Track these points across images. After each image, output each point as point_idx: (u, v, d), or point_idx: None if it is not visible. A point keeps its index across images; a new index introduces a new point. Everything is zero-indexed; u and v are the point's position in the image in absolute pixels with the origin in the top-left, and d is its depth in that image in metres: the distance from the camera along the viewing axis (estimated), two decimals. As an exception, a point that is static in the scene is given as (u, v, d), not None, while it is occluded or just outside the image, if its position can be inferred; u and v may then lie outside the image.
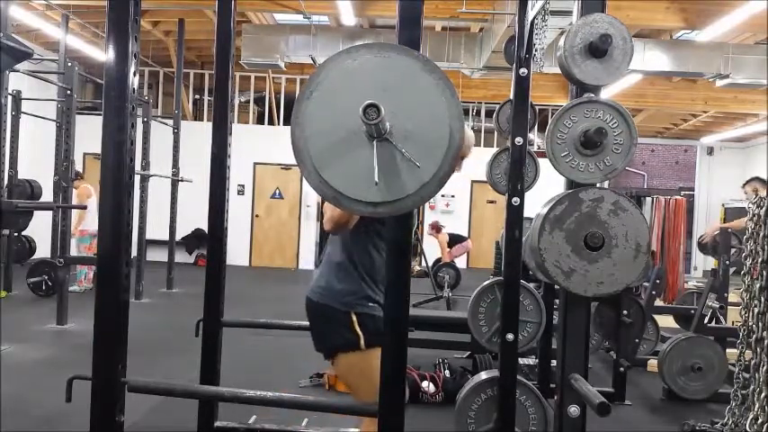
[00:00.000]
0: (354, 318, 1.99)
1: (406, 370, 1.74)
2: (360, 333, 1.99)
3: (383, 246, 2.02)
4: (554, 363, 3.14)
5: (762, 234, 2.29)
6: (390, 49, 1.55)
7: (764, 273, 2.26)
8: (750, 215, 2.36)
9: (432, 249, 9.52)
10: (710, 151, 14.39)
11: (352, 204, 1.54)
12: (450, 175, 1.64)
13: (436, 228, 9.76)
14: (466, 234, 11.09)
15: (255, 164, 11.71)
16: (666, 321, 5.42)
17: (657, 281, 4.45)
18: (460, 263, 10.06)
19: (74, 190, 7.16)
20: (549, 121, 1.93)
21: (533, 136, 10.47)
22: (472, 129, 12.99)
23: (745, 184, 5.56)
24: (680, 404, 3.94)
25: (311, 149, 1.53)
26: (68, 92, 5.70)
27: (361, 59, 1.54)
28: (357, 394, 2.08)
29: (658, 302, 5.14)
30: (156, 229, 8.68)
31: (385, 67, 1.53)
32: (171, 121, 8.22)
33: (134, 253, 6.22)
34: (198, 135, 7.55)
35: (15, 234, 6.71)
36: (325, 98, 1.51)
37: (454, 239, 9.81)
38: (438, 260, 9.40)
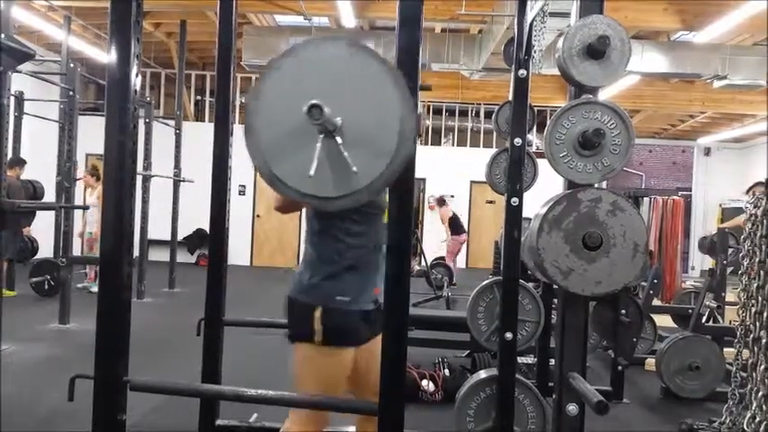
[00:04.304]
0: (318, 313, 1.87)
1: (405, 369, 1.76)
2: (318, 329, 1.87)
3: (367, 228, 1.94)
4: (552, 362, 3.16)
5: (759, 234, 2.31)
6: (361, 50, 1.54)
7: (762, 272, 2.28)
8: (747, 215, 2.38)
9: (429, 253, 9.49)
10: (708, 152, 14.40)
11: (288, 191, 1.54)
12: (390, 183, 1.59)
13: (439, 201, 9.74)
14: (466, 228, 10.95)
15: (256, 164, 11.72)
16: (664, 321, 5.44)
17: (655, 280, 4.46)
18: (459, 262, 10.05)
19: (97, 188, 7.16)
20: (548, 122, 1.95)
21: (532, 137, 10.51)
22: (471, 130, 13.04)
23: (749, 190, 5.56)
24: (678, 403, 3.95)
25: (262, 131, 1.52)
26: (71, 93, 5.71)
27: (329, 53, 1.52)
28: (297, 388, 2.00)
29: (656, 302, 5.15)
30: (158, 229, 8.68)
31: (351, 67, 1.52)
32: (173, 122, 8.24)
33: (136, 253, 6.25)
34: (199, 136, 7.56)
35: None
36: (283, 85, 1.50)
37: (456, 225, 9.78)
38: (436, 260, 9.42)
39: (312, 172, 1.46)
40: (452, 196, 12.36)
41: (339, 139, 1.50)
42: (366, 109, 1.51)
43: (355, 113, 1.51)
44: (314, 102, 1.38)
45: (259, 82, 1.56)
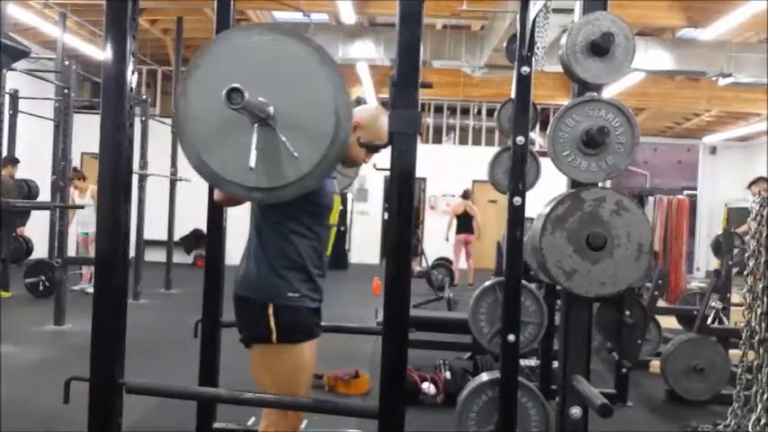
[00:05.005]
0: (271, 310, 1.85)
1: (406, 371, 1.73)
2: (273, 327, 1.85)
3: (312, 228, 1.92)
4: (556, 364, 3.12)
5: (765, 234, 2.28)
6: (283, 33, 1.53)
7: (767, 273, 2.24)
8: (753, 215, 2.35)
9: (430, 254, 9.42)
10: (713, 150, 14.36)
11: (231, 186, 1.54)
12: (335, 166, 1.62)
13: (463, 193, 9.75)
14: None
15: (255, 163, 11.67)
16: (669, 322, 5.40)
17: (660, 281, 4.43)
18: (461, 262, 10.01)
19: (91, 188, 7.25)
20: (551, 121, 1.91)
21: (535, 135, 10.45)
22: (473, 128, 13.00)
23: (750, 185, 5.50)
24: (682, 405, 3.92)
25: (192, 128, 1.52)
26: (66, 91, 5.67)
27: (252, 41, 1.52)
28: (266, 390, 1.97)
29: (661, 303, 5.11)
30: (155, 229, 8.64)
31: (275, 52, 1.50)
32: (169, 120, 8.19)
33: (132, 253, 6.21)
34: (197, 134, 7.51)
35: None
36: (210, 79, 1.48)
37: (458, 223, 9.68)
38: (437, 261, 9.38)
39: (252, 163, 1.43)
40: (453, 196, 12.33)
41: (275, 126, 1.47)
42: (298, 93, 1.49)
43: (287, 99, 1.48)
44: (233, 86, 1.34)
45: (185, 79, 1.54)
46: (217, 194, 1.93)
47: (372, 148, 1.92)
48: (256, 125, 1.46)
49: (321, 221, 1.97)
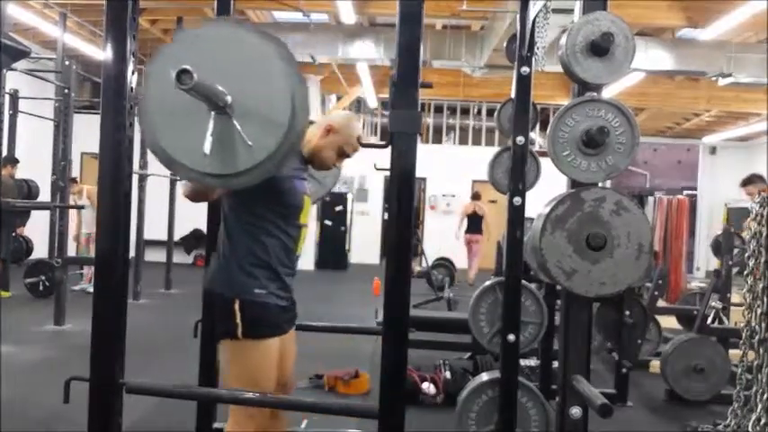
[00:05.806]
0: (237, 305, 1.88)
1: (406, 371, 1.73)
2: (238, 322, 1.88)
3: (281, 227, 1.95)
4: (556, 364, 3.12)
5: (765, 234, 2.28)
6: (244, 28, 1.59)
7: (767, 273, 2.24)
8: (753, 215, 2.35)
9: (430, 254, 9.41)
10: (713, 150, 14.35)
11: (185, 171, 1.59)
12: (289, 158, 1.65)
13: (474, 195, 9.80)
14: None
15: (255, 163, 11.65)
16: (669, 322, 5.40)
17: (660, 281, 4.42)
18: (462, 262, 10.01)
19: (85, 188, 7.32)
20: (551, 121, 1.91)
21: (535, 135, 10.45)
22: (473, 128, 13.00)
23: (746, 184, 5.42)
24: (682, 405, 3.92)
25: (151, 113, 1.58)
26: (66, 90, 5.67)
27: (213, 35, 1.59)
28: (230, 386, 1.98)
29: (661, 303, 5.11)
30: (155, 229, 8.64)
31: (236, 45, 1.56)
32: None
33: (132, 253, 6.20)
34: (197, 134, 7.49)
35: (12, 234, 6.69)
36: (170, 68, 1.51)
37: (473, 223, 9.70)
38: (437, 261, 9.38)
39: (207, 149, 1.47)
40: (453, 196, 12.34)
41: (232, 115, 1.52)
42: (256, 84, 1.54)
43: (246, 90, 1.54)
44: (183, 67, 1.37)
45: (146, 71, 1.60)
46: (184, 189, 1.95)
47: (346, 153, 2.05)
48: (213, 113, 1.50)
49: (292, 221, 2.00)
